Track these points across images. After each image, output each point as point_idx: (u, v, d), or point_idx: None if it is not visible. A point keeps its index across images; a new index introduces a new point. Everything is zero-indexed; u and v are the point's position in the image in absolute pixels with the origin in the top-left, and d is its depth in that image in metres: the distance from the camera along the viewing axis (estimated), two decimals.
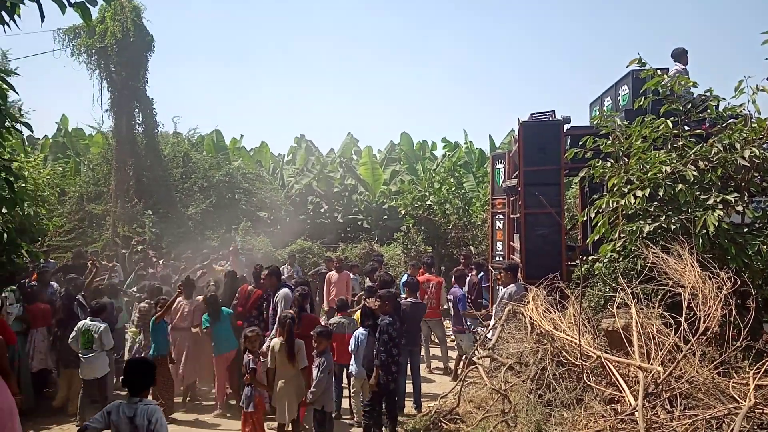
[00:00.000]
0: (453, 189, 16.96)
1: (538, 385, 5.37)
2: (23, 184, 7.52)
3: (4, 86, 4.10)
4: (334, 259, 12.58)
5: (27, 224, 9.49)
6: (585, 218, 7.42)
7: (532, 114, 9.17)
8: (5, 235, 6.32)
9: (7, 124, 4.19)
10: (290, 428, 6.13)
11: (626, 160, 6.61)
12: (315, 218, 22.14)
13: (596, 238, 6.64)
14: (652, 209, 6.13)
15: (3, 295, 7.34)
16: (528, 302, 6.27)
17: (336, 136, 66.20)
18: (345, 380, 7.73)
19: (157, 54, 18.13)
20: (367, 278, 10.30)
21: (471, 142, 25.11)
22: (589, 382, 4.63)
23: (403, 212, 17.46)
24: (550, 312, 5.87)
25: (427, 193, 16.94)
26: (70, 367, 7.66)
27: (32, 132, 4.53)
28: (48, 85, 64.52)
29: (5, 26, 3.82)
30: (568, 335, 5.23)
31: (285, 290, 7.57)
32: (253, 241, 17.20)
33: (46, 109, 62.64)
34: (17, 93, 4.18)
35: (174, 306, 7.96)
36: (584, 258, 7.00)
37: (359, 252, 17.15)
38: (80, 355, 7.20)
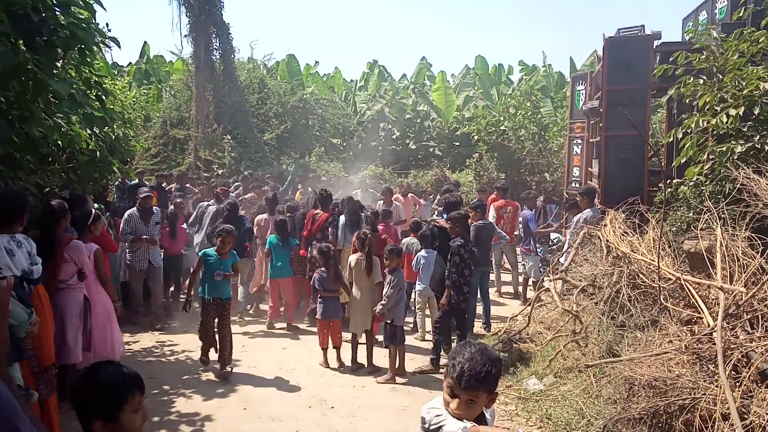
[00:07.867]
0: (529, 114, 16.42)
1: (612, 308, 5.31)
2: (111, 106, 7.86)
3: (92, 3, 4.26)
4: (404, 185, 12.58)
5: (117, 145, 10.04)
6: (671, 140, 7.00)
7: (619, 30, 8.59)
8: (98, 152, 6.69)
9: (96, 39, 4.39)
10: (363, 339, 6.43)
11: (720, 77, 6.12)
12: (387, 144, 22.13)
13: (682, 161, 6.28)
14: (745, 129, 5.71)
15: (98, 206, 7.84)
16: (605, 225, 6.11)
17: (409, 62, 64.83)
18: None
19: None
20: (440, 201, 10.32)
21: (550, 65, 24.07)
22: (665, 304, 4.52)
23: (476, 138, 17.16)
24: (628, 235, 5.71)
25: (501, 119, 16.51)
26: None
27: (120, 48, 4.69)
28: (130, 13, 66.33)
29: None
30: (647, 257, 5.08)
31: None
32: (326, 167, 17.50)
33: (128, 37, 64.74)
34: (105, 9, 4.30)
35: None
36: (668, 182, 6.68)
37: (431, 178, 17.14)
38: None
